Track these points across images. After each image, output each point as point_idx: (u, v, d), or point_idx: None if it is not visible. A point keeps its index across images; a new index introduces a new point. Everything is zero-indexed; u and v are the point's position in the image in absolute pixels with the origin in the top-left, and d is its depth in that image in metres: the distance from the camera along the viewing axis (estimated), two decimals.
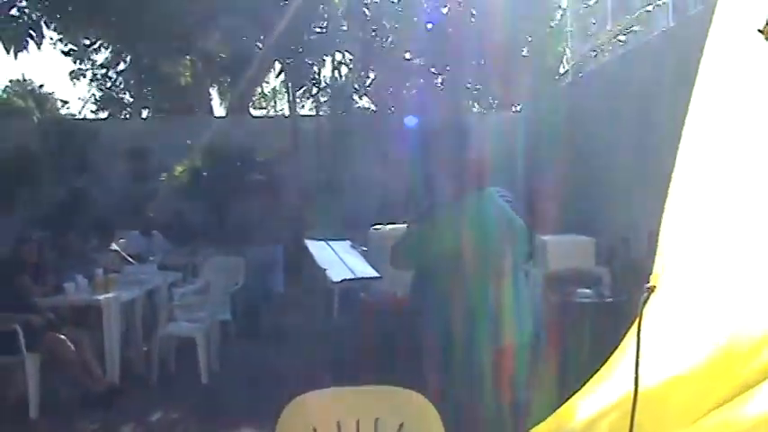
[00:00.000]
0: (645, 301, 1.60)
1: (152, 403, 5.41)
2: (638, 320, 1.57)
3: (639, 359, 1.52)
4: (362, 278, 4.20)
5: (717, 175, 1.67)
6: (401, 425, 2.28)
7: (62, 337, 5.23)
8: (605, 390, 1.78)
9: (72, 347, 5.22)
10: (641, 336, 1.54)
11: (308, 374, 5.23)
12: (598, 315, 4.72)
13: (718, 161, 1.67)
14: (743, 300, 1.52)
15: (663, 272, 1.69)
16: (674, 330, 1.68)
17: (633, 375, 1.51)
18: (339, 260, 3.97)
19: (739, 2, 1.77)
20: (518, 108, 12.80)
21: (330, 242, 4.22)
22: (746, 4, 1.70)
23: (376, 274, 4.19)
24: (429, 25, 10.91)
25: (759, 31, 1.56)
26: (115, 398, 5.33)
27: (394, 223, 5.53)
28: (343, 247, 4.25)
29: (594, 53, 11.18)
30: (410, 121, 9.90)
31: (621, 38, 10.26)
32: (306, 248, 4.14)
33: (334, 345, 6.25)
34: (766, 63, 1.58)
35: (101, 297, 5.63)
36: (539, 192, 9.33)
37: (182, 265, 8.12)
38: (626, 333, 1.75)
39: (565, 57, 13.08)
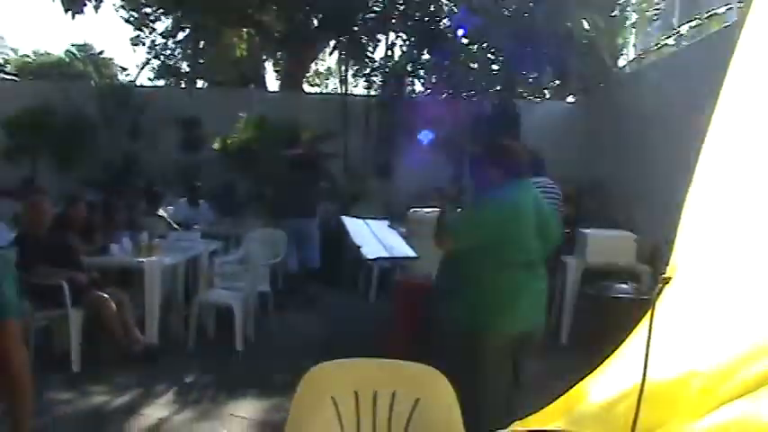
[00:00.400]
0: (659, 292, 1.60)
1: (187, 366, 5.56)
2: (651, 310, 1.57)
3: (650, 348, 1.52)
4: (397, 257, 4.22)
5: (739, 175, 1.65)
6: (417, 400, 2.31)
7: (105, 295, 5.40)
8: (620, 375, 1.78)
9: (114, 306, 5.40)
10: (653, 325, 1.54)
11: (338, 347, 5.31)
12: (631, 311, 4.66)
13: (742, 160, 1.65)
14: (758, 302, 1.50)
15: (680, 265, 1.68)
16: (690, 324, 1.67)
17: (643, 364, 1.51)
18: (375, 238, 4.00)
19: None
20: (573, 99, 12.60)
21: (367, 221, 4.24)
22: None
23: (412, 254, 4.21)
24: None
25: None
26: (152, 358, 5.51)
27: (433, 207, 5.55)
28: (380, 226, 4.28)
29: (656, 47, 10.91)
30: (425, 136, 9.88)
31: (684, 33, 10.00)
32: (344, 225, 4.18)
33: (366, 320, 6.34)
34: None
35: (144, 260, 5.79)
36: (586, 185, 9.22)
37: (225, 234, 8.27)
38: (641, 320, 1.75)
39: (625, 49, 12.79)
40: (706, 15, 9.18)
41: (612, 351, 2.09)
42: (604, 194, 9.10)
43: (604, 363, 1.95)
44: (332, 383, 2.31)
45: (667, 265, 1.69)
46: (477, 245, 3.14)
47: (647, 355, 1.51)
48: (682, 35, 10.05)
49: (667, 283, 1.61)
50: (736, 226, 1.62)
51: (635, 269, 6.00)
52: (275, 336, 6.57)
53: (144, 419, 4.51)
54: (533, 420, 1.97)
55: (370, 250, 3.99)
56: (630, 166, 8.80)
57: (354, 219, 4.25)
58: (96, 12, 10.77)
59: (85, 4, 10.32)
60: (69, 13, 10.12)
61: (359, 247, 4.14)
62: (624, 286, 5.54)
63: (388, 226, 4.46)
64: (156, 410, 4.65)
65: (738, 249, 1.59)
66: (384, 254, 4.03)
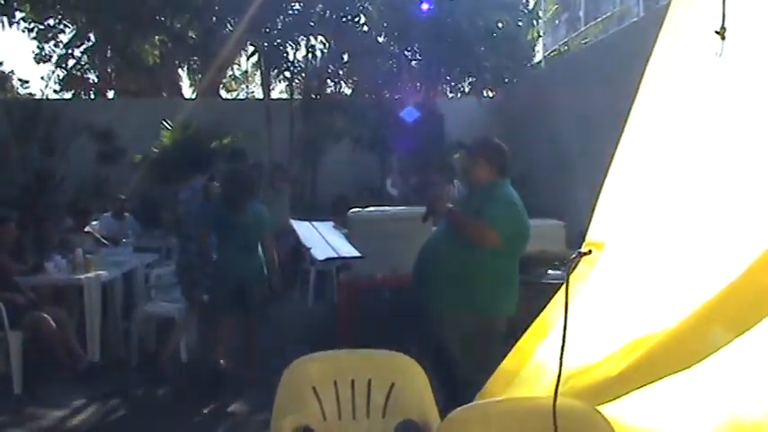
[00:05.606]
0: (575, 264, 1.77)
1: (134, 380, 5.50)
2: (565, 283, 1.74)
3: (567, 318, 1.68)
4: (345, 257, 4.33)
5: (656, 160, 1.84)
6: (392, 384, 2.44)
7: (44, 315, 5.28)
8: (547, 343, 1.97)
9: (54, 325, 5.28)
10: (569, 296, 1.71)
11: (284, 348, 5.36)
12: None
13: (660, 145, 1.85)
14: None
15: (598, 241, 1.87)
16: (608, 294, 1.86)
17: (562, 332, 1.68)
18: (323, 240, 4.08)
19: (692, 3, 1.93)
20: (491, 94, 12.97)
21: (314, 223, 4.33)
22: (700, 5, 1.84)
23: (358, 254, 4.32)
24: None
25: (716, 32, 1.70)
26: (97, 375, 5.41)
27: (371, 206, 5.67)
28: (326, 227, 4.36)
29: (567, 42, 11.40)
30: (408, 113, 9.92)
31: (593, 29, 10.51)
32: (292, 229, 4.27)
33: (313, 320, 6.41)
34: (719, 61, 1.73)
35: (82, 276, 5.67)
36: (511, 177, 9.53)
37: (156, 246, 8.16)
38: (557, 290, 1.92)
39: (538, 45, 13.27)
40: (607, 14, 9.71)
41: None
42: (530, 185, 9.43)
43: (532, 334, 2.15)
44: (312, 375, 2.41)
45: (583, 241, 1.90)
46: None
47: (565, 324, 1.68)
48: (588, 31, 10.57)
49: (583, 256, 1.80)
50: (651, 207, 1.81)
51: (565, 255, 6.27)
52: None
53: None
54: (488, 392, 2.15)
55: (320, 252, 4.07)
56: (551, 156, 9.18)
57: (302, 222, 4.32)
58: (10, 26, 10.38)
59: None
60: None
61: (308, 249, 4.21)
62: (557, 272, 5.78)
63: (333, 227, 4.55)
64: (114, 426, 4.60)
65: (655, 231, 1.78)
66: (333, 254, 4.12)
